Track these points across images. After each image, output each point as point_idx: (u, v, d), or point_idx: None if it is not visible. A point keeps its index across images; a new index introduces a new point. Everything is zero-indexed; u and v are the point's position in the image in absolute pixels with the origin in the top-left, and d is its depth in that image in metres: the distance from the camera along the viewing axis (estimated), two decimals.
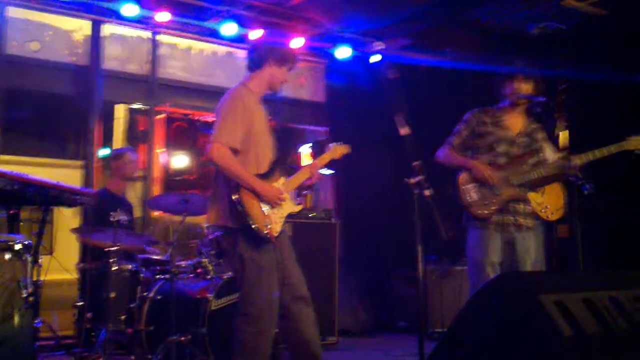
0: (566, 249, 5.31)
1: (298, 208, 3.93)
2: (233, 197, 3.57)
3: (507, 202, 4.40)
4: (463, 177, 4.49)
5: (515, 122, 4.53)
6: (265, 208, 3.69)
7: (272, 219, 3.70)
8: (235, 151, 3.64)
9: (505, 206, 4.40)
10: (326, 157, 4.15)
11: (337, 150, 4.18)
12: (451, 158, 4.56)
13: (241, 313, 3.67)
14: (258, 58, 3.88)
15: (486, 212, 4.39)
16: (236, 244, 3.64)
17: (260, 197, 3.65)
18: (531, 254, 4.41)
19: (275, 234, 3.70)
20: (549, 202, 5.29)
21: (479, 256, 4.39)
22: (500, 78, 4.53)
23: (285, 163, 3.95)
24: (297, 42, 7.25)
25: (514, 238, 4.39)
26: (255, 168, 3.72)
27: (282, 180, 3.85)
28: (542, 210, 5.30)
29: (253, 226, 3.58)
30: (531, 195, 5.24)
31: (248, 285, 3.65)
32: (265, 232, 3.63)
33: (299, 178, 3.97)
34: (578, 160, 4.35)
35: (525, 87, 4.44)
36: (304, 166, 4.09)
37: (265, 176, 3.75)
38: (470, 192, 4.44)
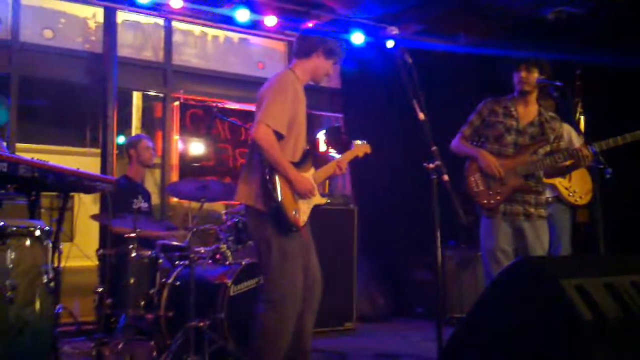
0: (586, 233, 5.31)
1: (324, 200, 3.96)
2: (268, 183, 3.56)
3: (514, 192, 4.38)
4: (470, 166, 4.50)
5: (527, 112, 4.51)
6: (295, 196, 3.70)
7: (300, 208, 3.71)
8: (278, 135, 3.62)
9: (512, 196, 4.39)
10: (352, 153, 4.13)
11: (360, 148, 4.16)
12: (461, 147, 4.58)
13: (264, 298, 3.66)
14: (308, 47, 3.86)
15: (492, 202, 4.38)
16: (264, 227, 3.63)
17: (292, 186, 3.65)
18: (543, 242, 4.39)
19: (302, 224, 3.71)
20: (576, 186, 5.28)
21: (490, 244, 4.41)
22: (506, 67, 4.50)
23: (315, 154, 3.91)
24: (310, 29, 7.23)
25: (523, 227, 4.38)
26: (291, 156, 3.72)
27: (312, 170, 3.86)
28: (570, 195, 5.29)
29: (282, 211, 3.58)
30: (558, 180, 5.23)
31: (273, 270, 3.64)
32: (293, 219, 3.63)
33: (327, 171, 3.98)
34: (597, 148, 4.32)
35: (530, 76, 4.40)
36: (333, 161, 4.08)
37: (298, 165, 3.75)
38: (477, 182, 4.44)
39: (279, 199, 3.56)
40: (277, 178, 3.58)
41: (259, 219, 3.66)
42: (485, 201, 4.40)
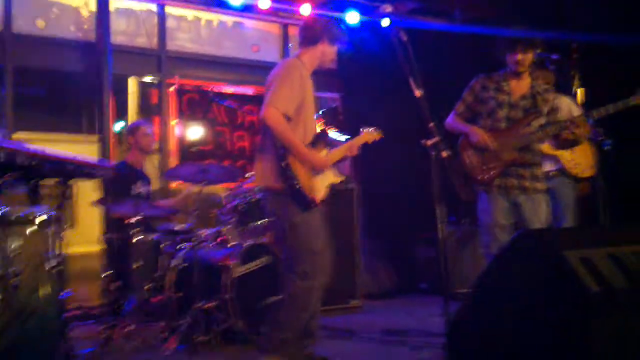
0: (587, 204, 5.30)
1: (340, 179, 4.05)
2: (282, 163, 3.70)
3: (508, 166, 4.37)
4: (463, 142, 4.51)
5: (518, 85, 4.49)
6: (310, 173, 3.80)
7: (316, 185, 3.82)
8: (287, 118, 3.73)
9: (507, 170, 4.38)
10: (361, 139, 4.21)
11: (370, 135, 4.23)
12: (454, 124, 4.59)
13: (293, 270, 3.77)
14: (313, 35, 3.99)
15: (486, 176, 4.38)
16: (284, 206, 3.76)
17: (306, 164, 3.77)
18: (540, 216, 4.36)
19: (319, 200, 3.83)
20: (580, 159, 5.25)
21: (487, 219, 4.41)
22: (501, 46, 4.47)
23: (326, 136, 4.04)
24: (304, 9, 7.20)
25: (519, 201, 4.37)
26: (302, 138, 3.82)
27: (324, 152, 3.97)
28: (574, 167, 5.27)
29: (300, 189, 3.70)
30: (561, 152, 5.21)
31: (298, 245, 3.77)
32: (311, 196, 3.75)
33: (339, 152, 4.09)
34: (593, 115, 4.32)
35: (526, 57, 4.39)
36: (345, 143, 4.18)
37: (310, 147, 3.86)
38: (471, 157, 4.44)
39: (295, 176, 3.69)
40: (290, 157, 3.71)
41: (278, 198, 3.79)
42: (479, 176, 4.40)
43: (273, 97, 3.72)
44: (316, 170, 3.83)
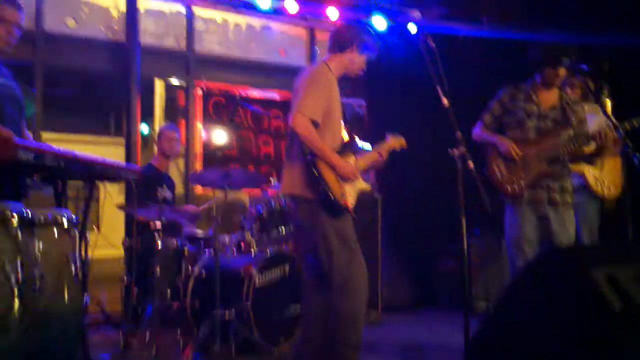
0: (615, 221, 5.21)
1: (368, 186, 4.01)
2: (312, 170, 3.64)
3: (538, 178, 4.32)
4: (492, 153, 4.45)
5: (548, 96, 4.44)
6: (340, 180, 3.76)
7: (346, 191, 3.77)
8: (315, 124, 3.68)
9: (537, 182, 4.32)
10: (389, 145, 4.16)
11: (397, 140, 4.19)
12: (482, 135, 4.53)
13: (334, 286, 3.69)
14: (343, 42, 3.94)
15: (516, 188, 4.32)
16: (315, 214, 3.69)
17: (336, 171, 3.72)
18: (569, 230, 4.32)
19: (351, 206, 3.79)
20: (607, 177, 5.15)
21: (515, 233, 4.34)
22: (538, 58, 4.40)
23: (353, 143, 3.99)
24: (331, 13, 7.19)
25: (548, 214, 4.31)
26: (330, 145, 3.77)
27: (352, 159, 3.92)
28: (599, 186, 5.16)
29: (331, 196, 3.64)
30: (589, 169, 5.12)
31: (334, 256, 3.69)
32: (343, 202, 3.70)
33: (368, 159, 4.06)
34: (622, 128, 4.26)
35: (562, 73, 4.35)
36: (374, 149, 4.15)
37: (338, 154, 3.81)
38: (500, 169, 4.38)
39: (326, 183, 3.63)
40: (320, 163, 3.65)
41: (309, 207, 3.72)
42: (509, 188, 4.34)
43: (300, 103, 3.68)
44: (346, 177, 3.78)
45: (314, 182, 3.65)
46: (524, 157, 4.33)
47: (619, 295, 2.48)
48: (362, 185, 3.97)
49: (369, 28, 4.06)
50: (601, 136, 4.26)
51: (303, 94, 3.71)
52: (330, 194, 3.64)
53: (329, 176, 3.67)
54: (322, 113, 3.72)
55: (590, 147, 4.33)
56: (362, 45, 3.93)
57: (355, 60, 3.96)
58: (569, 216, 4.34)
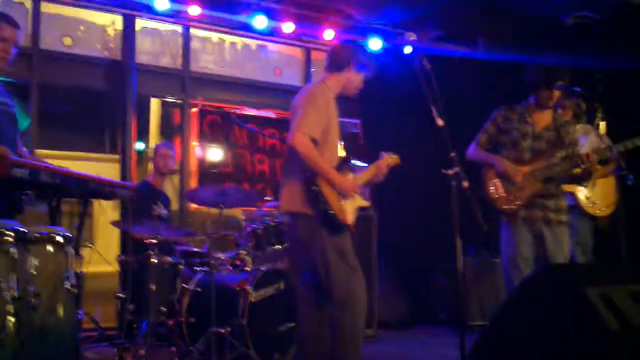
0: (607, 239, 5.23)
1: (367, 203, 4.04)
2: (312, 187, 3.68)
3: (533, 197, 4.35)
4: (488, 173, 4.48)
5: (542, 117, 4.49)
6: (339, 197, 3.79)
7: (346, 208, 3.80)
8: (314, 142, 3.72)
9: (532, 201, 4.35)
10: (385, 161, 4.16)
11: (392, 158, 4.20)
12: (477, 154, 4.57)
13: (335, 301, 3.73)
14: (340, 61, 3.97)
15: (512, 207, 4.36)
16: (315, 231, 3.72)
17: (335, 187, 3.75)
18: (564, 249, 4.35)
19: (350, 222, 3.82)
20: (599, 196, 5.18)
21: (511, 251, 4.37)
22: (534, 80, 4.45)
23: (350, 161, 4.04)
24: (328, 34, 7.24)
25: (543, 233, 4.34)
26: (328, 162, 3.80)
27: (350, 176, 3.95)
28: (590, 205, 5.19)
29: (330, 212, 3.67)
30: (579, 189, 5.15)
31: (333, 271, 3.72)
32: (342, 218, 3.74)
33: (366, 176, 4.08)
34: (616, 149, 4.30)
35: (556, 94, 4.41)
36: (370, 166, 4.16)
37: (336, 170, 3.84)
38: (497, 188, 4.42)
39: (325, 200, 3.67)
40: (319, 180, 3.69)
41: (308, 223, 3.75)
42: (505, 207, 4.37)
43: (300, 122, 3.71)
44: (346, 194, 3.81)
45: (314, 199, 3.68)
46: (520, 177, 4.36)
47: (615, 315, 2.49)
48: (361, 202, 3.99)
49: (365, 47, 4.10)
50: (589, 159, 4.30)
51: (302, 112, 3.75)
52: (330, 210, 3.67)
53: (328, 193, 3.70)
54: (321, 131, 3.76)
55: (577, 170, 4.37)
56: (359, 65, 3.97)
57: (353, 79, 4.00)
58: (564, 235, 4.37)
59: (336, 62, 3.99)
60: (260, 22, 6.80)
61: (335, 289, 3.72)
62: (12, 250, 2.83)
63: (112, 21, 6.59)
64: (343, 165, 3.92)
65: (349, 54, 3.98)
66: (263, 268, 4.78)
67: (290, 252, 4.89)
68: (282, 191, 3.90)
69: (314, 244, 3.74)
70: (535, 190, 4.34)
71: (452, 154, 3.65)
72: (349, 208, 3.84)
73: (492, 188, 4.43)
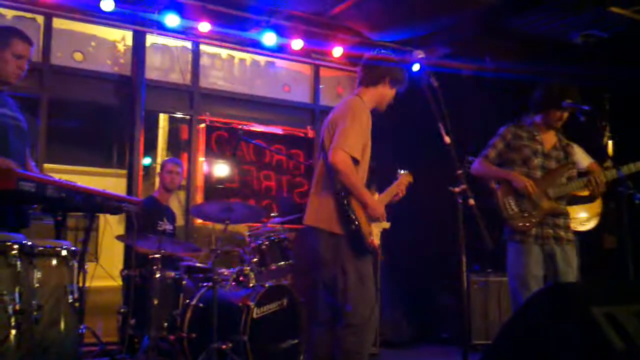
0: (612, 259, 5.20)
1: (388, 225, 3.95)
2: (345, 207, 3.56)
3: (547, 214, 4.35)
4: (502, 189, 4.45)
5: (548, 136, 4.52)
6: (369, 220, 3.70)
7: (373, 231, 3.73)
8: (354, 161, 3.61)
9: (544, 219, 4.35)
10: (404, 180, 4.09)
11: (408, 176, 4.13)
12: (489, 170, 4.51)
13: (345, 324, 3.64)
14: (375, 76, 3.86)
15: (528, 224, 4.33)
16: (339, 250, 3.62)
17: (367, 211, 3.65)
18: (573, 266, 4.34)
19: (377, 247, 3.74)
20: (577, 211, 5.16)
21: (521, 270, 4.32)
22: (543, 100, 4.45)
23: (372, 179, 3.92)
24: (336, 51, 7.28)
25: (554, 251, 4.33)
26: (362, 181, 3.72)
27: (376, 195, 3.88)
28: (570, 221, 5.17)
29: (361, 235, 3.58)
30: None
31: (351, 294, 3.63)
32: (370, 242, 3.65)
33: (388, 195, 3.99)
34: (625, 170, 4.28)
35: (565, 115, 4.41)
36: (392, 186, 4.06)
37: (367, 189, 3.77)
38: (511, 205, 4.39)
39: (358, 222, 3.56)
40: (352, 201, 3.58)
41: (334, 241, 3.64)
42: (520, 224, 4.34)
43: (343, 140, 3.57)
44: (375, 218, 3.71)
45: (345, 219, 3.57)
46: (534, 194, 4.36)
47: (620, 335, 2.47)
48: (385, 224, 3.88)
49: (400, 61, 4.01)
50: (598, 180, 4.30)
51: (345, 130, 3.60)
52: (360, 232, 3.57)
53: (360, 215, 3.60)
54: (362, 149, 3.66)
55: (587, 191, 4.36)
56: (394, 81, 3.88)
57: (386, 95, 3.89)
58: (573, 253, 4.36)
59: (372, 76, 3.87)
60: (269, 39, 6.84)
61: (349, 312, 3.63)
62: (17, 263, 2.84)
63: (122, 37, 6.65)
64: (370, 185, 3.83)
65: (384, 68, 3.86)
66: (266, 284, 4.77)
67: (301, 268, 4.84)
68: (310, 205, 3.79)
69: (336, 262, 3.63)
70: (550, 208, 4.34)
71: (459, 172, 3.63)
72: (375, 231, 3.77)
73: (507, 205, 4.40)
